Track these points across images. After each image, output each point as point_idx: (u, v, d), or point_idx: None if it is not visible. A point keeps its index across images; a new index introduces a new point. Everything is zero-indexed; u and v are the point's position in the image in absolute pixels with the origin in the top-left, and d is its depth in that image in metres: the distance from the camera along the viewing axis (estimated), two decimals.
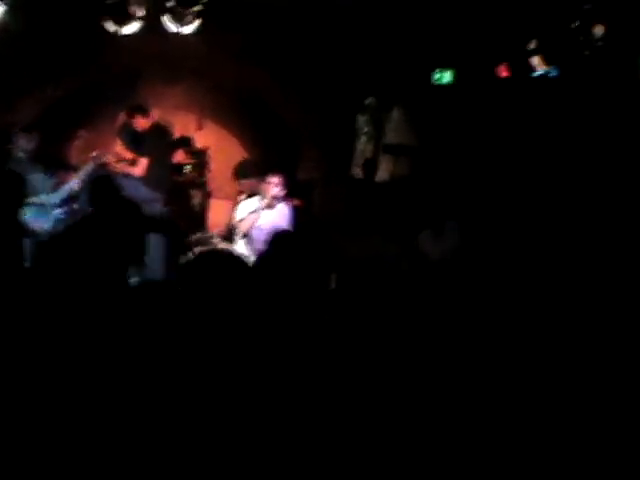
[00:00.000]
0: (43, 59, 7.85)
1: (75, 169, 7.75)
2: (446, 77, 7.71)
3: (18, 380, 3.05)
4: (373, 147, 8.55)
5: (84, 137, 8.50)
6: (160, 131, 7.95)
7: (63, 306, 4.59)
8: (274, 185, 6.81)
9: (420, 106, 8.15)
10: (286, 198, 7.03)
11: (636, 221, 6.31)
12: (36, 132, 7.26)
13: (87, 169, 7.35)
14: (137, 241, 6.38)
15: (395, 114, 8.42)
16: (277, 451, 2.24)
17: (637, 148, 6.50)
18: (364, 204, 7.79)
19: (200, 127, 9.28)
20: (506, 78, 7.42)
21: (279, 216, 6.88)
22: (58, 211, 7.13)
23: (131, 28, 7.20)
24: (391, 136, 8.44)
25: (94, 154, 7.44)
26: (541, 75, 7.15)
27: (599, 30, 6.63)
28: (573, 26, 6.73)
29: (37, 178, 7.10)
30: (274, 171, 6.95)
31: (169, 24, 7.21)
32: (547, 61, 7.06)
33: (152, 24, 7.25)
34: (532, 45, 7.10)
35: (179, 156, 8.76)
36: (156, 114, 8.11)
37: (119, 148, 7.89)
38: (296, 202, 7.55)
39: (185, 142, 8.86)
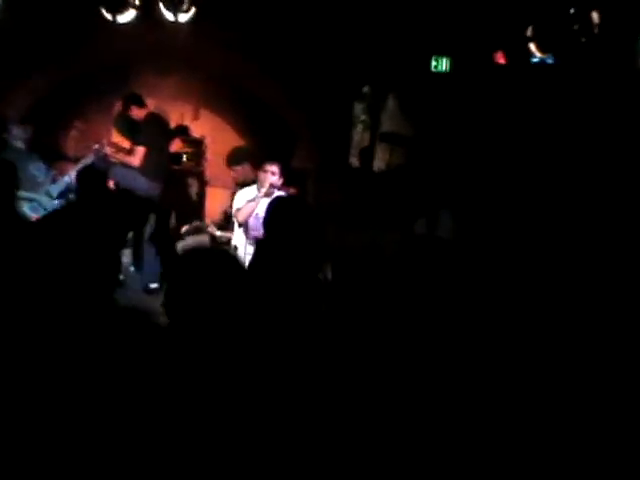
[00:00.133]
0: (35, 49, 7.75)
1: (72, 159, 7.79)
2: (443, 64, 7.70)
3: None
4: (370, 136, 8.52)
5: (79, 127, 8.54)
6: (156, 120, 7.89)
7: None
8: (272, 174, 6.74)
9: (416, 94, 8.11)
10: (283, 186, 6.97)
11: (633, 212, 6.26)
12: (29, 123, 7.28)
13: (87, 161, 7.34)
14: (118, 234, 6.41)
15: (391, 102, 8.39)
16: (272, 445, 2.22)
17: (634, 136, 6.45)
18: (361, 193, 7.77)
19: (196, 117, 9.27)
20: (503, 65, 7.41)
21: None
22: (56, 203, 7.12)
23: (127, 16, 7.19)
24: (387, 125, 8.41)
25: (95, 146, 7.42)
26: (538, 62, 7.16)
27: (596, 17, 6.67)
28: (569, 13, 6.75)
29: (36, 168, 7.16)
30: (272, 159, 6.89)
31: (165, 12, 7.16)
32: (543, 48, 7.06)
33: (147, 12, 7.21)
34: (529, 32, 7.09)
35: (176, 145, 8.75)
36: (152, 104, 8.06)
37: (116, 138, 7.86)
38: (292, 190, 7.50)
39: (182, 131, 8.85)
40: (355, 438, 2.39)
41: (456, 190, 7.06)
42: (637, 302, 5.21)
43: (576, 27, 6.73)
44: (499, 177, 7.23)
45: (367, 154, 8.52)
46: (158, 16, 7.21)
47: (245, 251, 6.55)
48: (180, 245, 7.48)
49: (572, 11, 6.75)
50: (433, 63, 7.69)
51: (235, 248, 6.76)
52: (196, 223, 7.84)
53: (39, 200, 7.03)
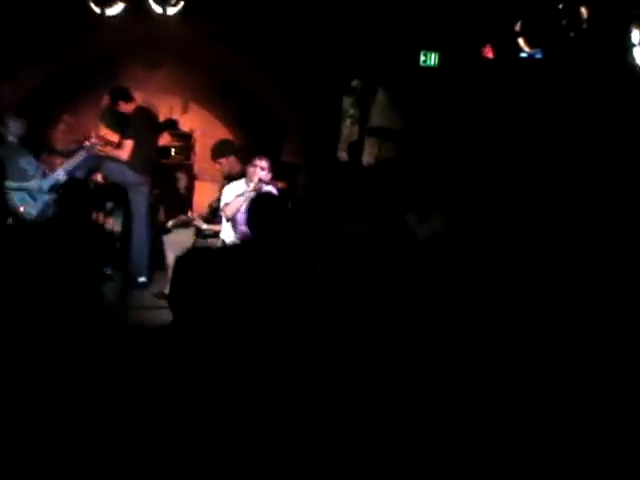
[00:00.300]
0: (24, 43, 7.68)
1: (60, 153, 7.75)
2: (432, 59, 7.68)
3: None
4: (359, 130, 8.50)
5: (68, 121, 8.48)
6: (144, 114, 7.78)
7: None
8: (261, 168, 6.67)
9: (405, 88, 8.09)
10: (272, 181, 6.90)
11: (621, 198, 6.33)
12: (24, 117, 7.22)
13: (79, 158, 7.29)
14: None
15: (380, 96, 8.36)
16: (272, 441, 2.21)
17: (623, 130, 6.50)
18: (349, 187, 7.77)
19: (185, 110, 9.28)
20: (492, 60, 7.42)
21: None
22: (47, 197, 7.10)
23: (115, 9, 7.10)
24: (376, 119, 8.39)
25: (87, 143, 7.36)
26: (527, 57, 7.16)
27: (584, 12, 6.65)
28: (558, 8, 6.73)
29: (27, 162, 7.11)
30: (261, 154, 6.82)
31: (153, 5, 7.11)
32: (532, 43, 7.05)
33: (136, 5, 7.14)
34: (517, 27, 7.06)
35: (165, 139, 8.70)
36: (140, 97, 7.99)
37: (104, 131, 7.80)
38: (281, 184, 7.48)
39: (170, 125, 8.85)
40: (351, 433, 2.39)
41: (446, 184, 7.04)
42: (628, 295, 5.27)
43: (565, 22, 6.70)
44: (488, 171, 7.24)
45: (356, 148, 8.49)
46: (147, 9, 7.15)
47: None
48: (167, 238, 7.44)
49: (561, 6, 6.71)
50: (422, 58, 7.67)
51: (223, 242, 6.73)
52: (182, 217, 7.80)
53: (29, 191, 7.03)
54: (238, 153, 7.37)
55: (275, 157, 7.62)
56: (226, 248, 6.00)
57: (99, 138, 7.61)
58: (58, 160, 7.61)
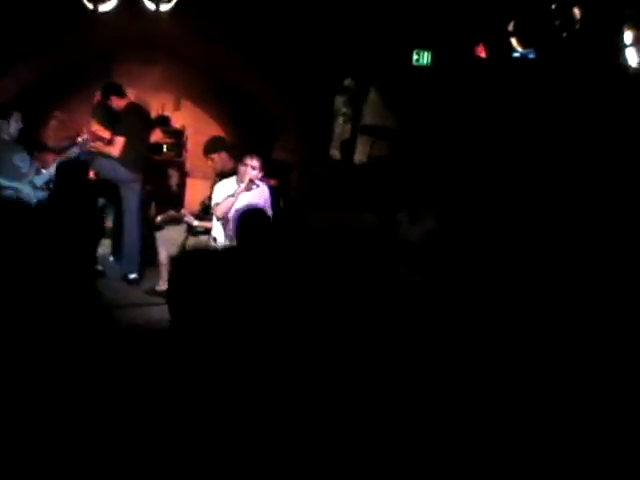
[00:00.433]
0: (16, 39, 7.62)
1: (52, 149, 7.80)
2: (424, 58, 7.66)
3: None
4: (351, 128, 8.47)
5: (59, 117, 8.52)
6: (136, 110, 7.75)
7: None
8: (252, 168, 6.68)
9: (398, 87, 8.06)
10: (263, 178, 6.94)
11: (612, 203, 6.26)
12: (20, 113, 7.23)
13: (71, 154, 7.29)
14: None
15: (373, 95, 8.33)
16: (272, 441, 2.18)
17: (615, 130, 6.47)
18: (342, 185, 7.75)
19: (177, 107, 9.31)
20: (484, 59, 7.39)
21: (257, 196, 6.78)
22: (40, 194, 7.08)
23: (108, 5, 7.10)
24: (369, 117, 8.35)
25: (79, 139, 7.35)
26: (520, 56, 7.15)
27: (577, 12, 6.65)
28: (551, 8, 6.73)
29: (20, 159, 7.12)
30: (253, 152, 6.84)
31: (146, 2, 7.10)
32: (525, 43, 7.05)
33: (129, 2, 7.12)
34: (510, 27, 7.06)
35: (157, 136, 8.71)
36: (133, 93, 7.99)
37: (95, 127, 7.77)
38: (273, 182, 7.50)
39: (163, 122, 8.87)
40: (351, 432, 2.35)
41: (438, 183, 7.00)
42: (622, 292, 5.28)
43: (558, 22, 6.71)
44: (481, 170, 7.20)
45: (348, 146, 8.47)
46: (140, 6, 7.14)
47: (224, 243, 6.56)
48: (159, 235, 7.42)
49: (554, 6, 6.72)
50: (415, 57, 7.64)
51: (214, 239, 6.71)
52: (171, 212, 7.79)
53: (21, 189, 7.00)
54: (230, 150, 7.39)
55: (267, 155, 7.62)
56: (222, 250, 6.04)
57: (90, 134, 7.57)
58: (50, 157, 7.63)
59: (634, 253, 5.75)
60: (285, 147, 8.79)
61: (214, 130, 9.01)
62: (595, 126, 6.58)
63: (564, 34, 6.71)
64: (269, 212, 6.78)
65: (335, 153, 8.57)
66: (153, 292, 6.94)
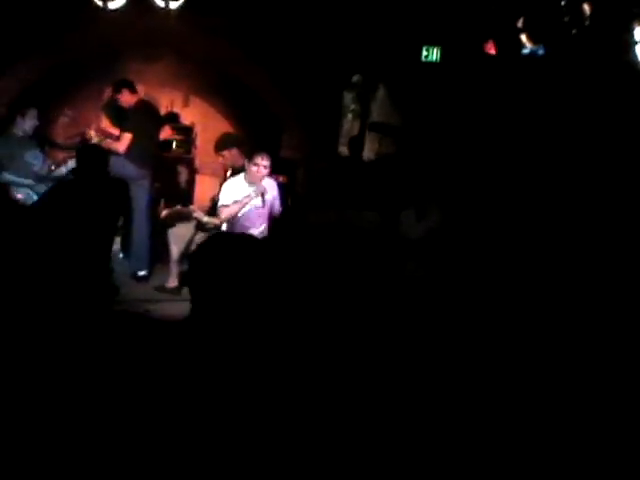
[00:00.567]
0: (24, 35, 7.66)
1: (62, 146, 7.78)
2: (434, 54, 7.70)
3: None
4: (359, 125, 8.54)
5: (69, 114, 8.45)
6: (145, 107, 7.72)
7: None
8: (264, 167, 6.66)
9: (407, 84, 8.10)
10: (272, 175, 6.93)
11: (622, 201, 6.27)
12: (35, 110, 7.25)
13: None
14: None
15: (381, 92, 8.39)
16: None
17: (623, 126, 6.46)
18: (347, 183, 7.79)
19: (186, 104, 9.29)
20: (494, 56, 7.42)
21: (267, 191, 6.81)
22: None
23: (117, 3, 7.17)
24: (377, 114, 8.43)
25: (93, 140, 7.34)
26: (529, 53, 7.18)
27: (587, 8, 6.70)
28: (561, 4, 6.78)
29: (33, 156, 7.12)
30: (261, 149, 6.82)
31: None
32: (534, 39, 7.09)
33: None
34: (520, 22, 7.11)
35: (166, 133, 8.71)
36: (141, 90, 7.94)
37: (104, 124, 7.78)
38: (282, 179, 7.53)
39: (171, 118, 8.87)
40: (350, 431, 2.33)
41: (445, 180, 7.03)
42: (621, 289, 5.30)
43: (567, 19, 6.75)
44: (489, 167, 7.22)
45: (356, 143, 8.51)
46: (148, 3, 7.18)
47: None
48: (170, 232, 7.42)
49: (563, 3, 6.75)
50: (424, 53, 7.70)
51: None
52: (177, 208, 7.80)
53: (33, 187, 7.02)
54: (241, 146, 7.35)
55: (275, 151, 7.61)
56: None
57: (99, 131, 7.59)
58: (60, 154, 7.62)
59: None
60: (292, 144, 8.79)
61: (223, 126, 9.02)
62: (604, 122, 6.58)
63: (574, 31, 6.74)
64: (278, 209, 6.87)
65: (344, 150, 8.61)
66: (162, 289, 6.92)
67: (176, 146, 8.94)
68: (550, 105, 6.97)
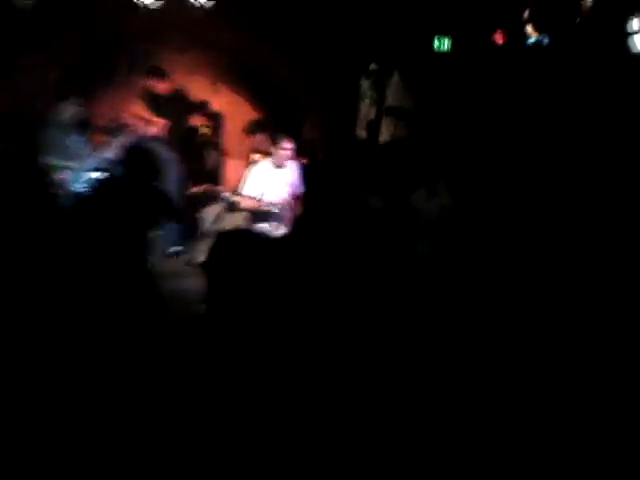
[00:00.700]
0: (65, 27, 7.95)
1: (101, 130, 7.97)
2: (445, 44, 7.80)
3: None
4: (376, 110, 8.58)
5: (106, 101, 8.64)
6: (178, 95, 8.08)
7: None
8: (289, 150, 6.99)
9: (420, 72, 8.19)
10: (295, 157, 7.20)
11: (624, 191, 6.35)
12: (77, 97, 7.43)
13: (123, 139, 7.42)
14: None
15: (396, 79, 8.45)
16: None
17: (623, 112, 6.57)
18: (367, 163, 7.86)
19: (215, 92, 9.32)
20: (501, 45, 7.52)
21: (290, 173, 7.11)
22: (95, 175, 7.19)
23: (156, 3, 7.50)
24: (392, 100, 8.47)
25: (131, 126, 7.61)
26: (535, 43, 7.28)
27: (588, 0, 6.77)
28: None
29: (76, 140, 7.36)
30: (287, 136, 7.10)
31: None
32: (539, 30, 7.18)
33: None
34: (526, 13, 7.21)
35: (196, 119, 8.85)
36: (173, 79, 8.22)
37: (140, 110, 8.03)
38: (304, 160, 7.71)
39: (201, 106, 8.96)
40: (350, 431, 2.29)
41: (454, 160, 7.15)
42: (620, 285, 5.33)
43: (570, 10, 6.87)
44: (494, 148, 7.35)
45: (373, 127, 8.60)
46: (183, 1, 7.49)
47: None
48: (203, 211, 7.74)
49: None
50: (436, 43, 7.80)
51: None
52: (205, 186, 8.04)
53: (75, 169, 7.20)
54: (268, 131, 7.62)
55: (297, 135, 7.80)
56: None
57: (135, 116, 7.87)
58: (100, 138, 7.81)
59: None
60: (312, 128, 8.92)
61: (249, 112, 9.14)
62: (604, 107, 6.67)
63: (576, 21, 6.84)
64: (300, 189, 6.94)
65: (362, 133, 8.71)
66: (193, 264, 7.08)
67: (205, 131, 8.96)
68: (553, 90, 7.07)
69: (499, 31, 7.49)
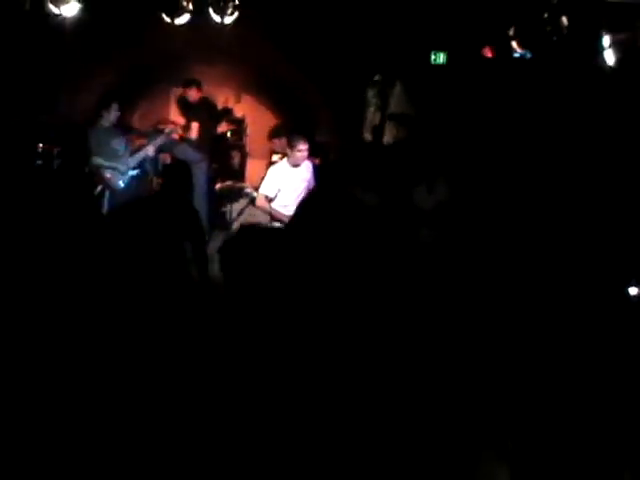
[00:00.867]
0: (107, 45, 8.46)
1: (139, 133, 8.56)
2: (440, 58, 8.20)
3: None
4: (380, 116, 8.94)
5: (143, 107, 9.41)
6: (207, 102, 8.71)
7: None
8: (304, 151, 7.28)
9: (419, 82, 8.51)
10: (309, 157, 7.57)
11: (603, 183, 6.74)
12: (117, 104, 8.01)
13: (159, 140, 8.13)
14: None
15: (398, 88, 8.82)
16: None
17: (597, 118, 7.05)
18: (370, 162, 7.70)
19: (238, 100, 9.91)
20: (490, 59, 7.98)
21: (305, 171, 7.50)
22: (133, 172, 8.00)
23: (182, 19, 7.92)
24: (394, 107, 8.85)
25: (166, 130, 8.19)
26: (519, 56, 7.73)
27: (565, 20, 7.28)
28: (544, 17, 7.34)
29: (117, 142, 7.97)
30: (303, 139, 7.37)
31: (213, 15, 7.86)
32: (523, 45, 7.62)
33: (199, 15, 7.88)
34: (511, 31, 7.65)
35: (223, 126, 9.42)
36: (202, 89, 8.80)
37: (174, 116, 8.83)
38: (317, 160, 8.21)
39: (227, 112, 9.54)
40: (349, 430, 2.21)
41: (450, 161, 7.38)
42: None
43: (549, 28, 7.32)
44: (487, 150, 7.72)
45: (378, 131, 8.97)
46: (207, 18, 7.88)
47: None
48: (230, 206, 8.44)
49: (546, 15, 7.33)
50: (432, 56, 8.20)
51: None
52: (229, 182, 8.69)
53: (118, 168, 7.91)
54: (287, 135, 8.05)
55: (311, 137, 8.11)
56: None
57: (167, 121, 8.62)
58: (138, 140, 8.41)
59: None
60: (324, 131, 9.31)
61: (269, 118, 9.65)
62: (578, 112, 7.17)
63: (554, 38, 7.28)
64: (314, 186, 7.34)
65: (367, 136, 9.12)
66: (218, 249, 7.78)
67: (230, 135, 9.54)
68: (535, 98, 7.49)
69: (488, 46, 7.94)
